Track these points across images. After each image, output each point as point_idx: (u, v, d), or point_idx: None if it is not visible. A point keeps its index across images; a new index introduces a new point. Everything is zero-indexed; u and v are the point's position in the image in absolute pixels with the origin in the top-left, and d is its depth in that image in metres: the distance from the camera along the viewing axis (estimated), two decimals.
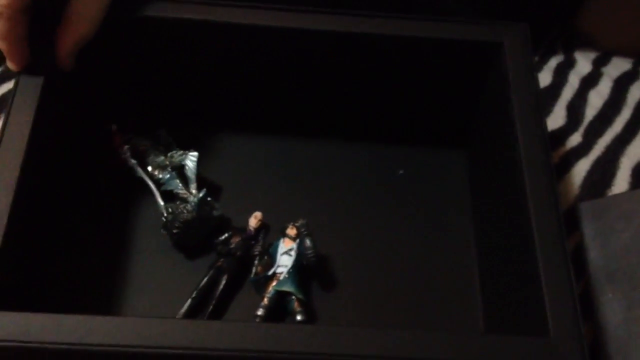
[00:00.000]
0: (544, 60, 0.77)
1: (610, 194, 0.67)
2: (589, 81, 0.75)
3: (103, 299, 0.56)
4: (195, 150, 0.61)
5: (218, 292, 0.57)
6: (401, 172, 0.66)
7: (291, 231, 0.58)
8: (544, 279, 0.48)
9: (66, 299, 0.56)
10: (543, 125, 0.55)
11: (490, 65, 0.60)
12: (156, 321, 0.45)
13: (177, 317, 0.55)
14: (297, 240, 0.58)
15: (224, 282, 0.57)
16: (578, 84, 0.75)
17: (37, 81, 0.52)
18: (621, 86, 0.74)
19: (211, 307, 0.56)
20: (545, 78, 0.75)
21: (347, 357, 0.45)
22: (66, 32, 0.54)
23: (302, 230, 0.58)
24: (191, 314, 0.56)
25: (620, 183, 0.67)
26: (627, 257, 0.60)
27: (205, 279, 0.57)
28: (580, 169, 0.69)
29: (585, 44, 0.78)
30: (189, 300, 0.56)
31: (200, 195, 0.58)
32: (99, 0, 0.55)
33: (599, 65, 0.76)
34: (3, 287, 0.46)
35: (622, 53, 0.77)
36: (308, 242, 0.57)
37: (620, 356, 0.57)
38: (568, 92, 0.74)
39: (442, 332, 0.46)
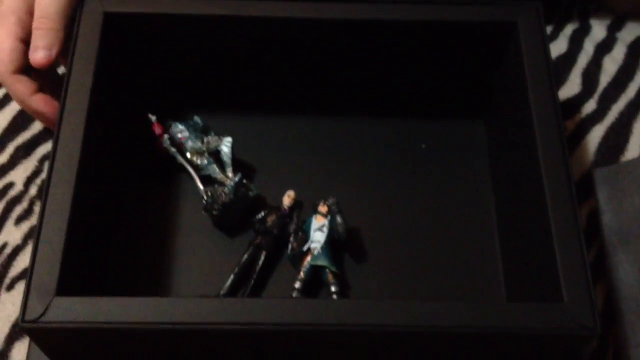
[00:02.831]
0: (559, 28, 0.79)
1: (623, 159, 0.70)
2: (604, 47, 0.77)
3: (154, 277, 0.62)
4: (228, 134, 0.66)
5: (258, 268, 0.62)
6: (424, 146, 0.70)
7: (322, 208, 0.63)
8: (557, 247, 0.53)
9: (122, 279, 0.61)
10: (556, 99, 0.58)
11: (506, 43, 0.63)
12: (207, 301, 0.50)
13: (221, 292, 0.60)
14: (328, 217, 0.62)
15: (262, 258, 0.62)
16: (593, 51, 0.77)
17: (86, 85, 0.57)
18: (635, 51, 0.77)
19: (252, 281, 0.61)
20: (561, 46, 0.78)
21: (376, 327, 0.49)
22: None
23: (333, 208, 0.62)
24: (234, 288, 0.61)
25: (633, 148, 0.70)
26: (639, 220, 0.64)
27: (246, 256, 0.62)
28: (595, 135, 0.72)
29: (600, 9, 0.80)
30: (232, 276, 0.61)
31: (237, 179, 0.63)
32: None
33: (613, 30, 0.78)
34: (69, 274, 0.51)
35: (637, 16, 0.79)
36: (338, 218, 0.62)
37: (632, 314, 0.61)
38: (583, 60, 0.77)
39: (465, 301, 0.51)
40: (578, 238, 0.53)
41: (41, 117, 0.63)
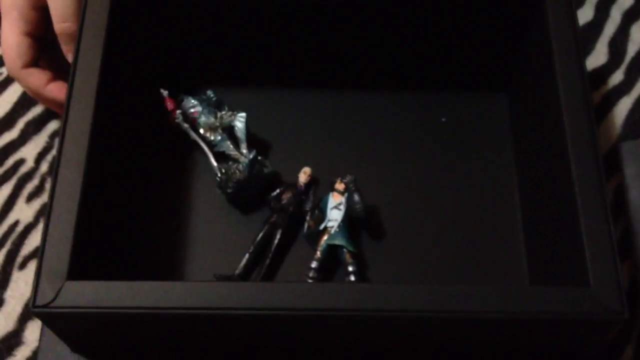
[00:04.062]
0: None
1: None
2: (632, 15, 0.74)
3: (168, 257, 0.60)
4: (242, 109, 0.64)
5: (274, 247, 0.60)
6: (444, 119, 0.68)
7: (339, 186, 0.61)
8: (584, 228, 0.50)
9: (134, 259, 0.60)
10: (584, 72, 0.56)
11: (532, 13, 0.60)
12: (220, 285, 0.49)
13: (236, 271, 0.59)
14: (346, 195, 0.60)
15: (278, 236, 0.60)
16: (620, 19, 0.74)
17: (95, 60, 0.55)
18: None
19: (268, 260, 0.60)
20: (587, 13, 0.75)
21: (396, 312, 0.48)
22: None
23: (350, 185, 0.60)
24: (249, 267, 0.60)
25: None
26: None
27: (261, 235, 0.61)
28: (622, 108, 0.69)
29: None
30: (247, 255, 0.60)
31: (251, 156, 0.61)
32: None
33: None
34: (80, 258, 0.50)
35: None
36: (356, 197, 0.60)
37: None
38: (610, 28, 0.74)
39: (487, 284, 0.49)
40: (606, 218, 0.51)
41: (58, 105, 0.63)
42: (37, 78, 0.61)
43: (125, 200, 0.62)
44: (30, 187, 0.64)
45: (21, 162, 0.65)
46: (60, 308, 0.47)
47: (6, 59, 0.62)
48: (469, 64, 0.67)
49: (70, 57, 0.60)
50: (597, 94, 0.70)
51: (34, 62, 0.62)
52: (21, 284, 0.60)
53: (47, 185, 0.64)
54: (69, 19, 0.59)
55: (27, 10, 0.60)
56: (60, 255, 0.49)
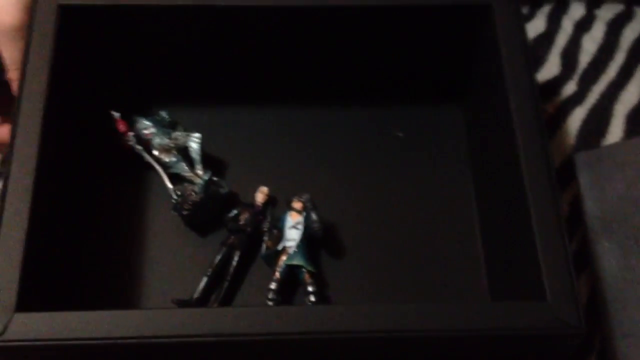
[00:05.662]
0: (537, 5, 0.77)
1: (605, 141, 0.68)
2: (583, 25, 0.75)
3: (124, 282, 0.59)
4: (196, 128, 0.63)
5: (232, 268, 0.59)
6: (401, 134, 0.67)
7: (297, 204, 0.60)
8: (539, 243, 0.51)
9: (88, 284, 0.58)
10: (533, 83, 0.57)
11: (481, 26, 0.61)
12: (176, 312, 0.48)
13: (195, 295, 0.58)
14: (304, 214, 0.60)
15: (236, 258, 0.60)
16: (572, 30, 0.75)
17: (42, 82, 0.54)
18: (614, 29, 0.75)
19: (226, 283, 0.59)
20: (539, 25, 0.76)
21: (355, 333, 0.47)
22: None
23: (307, 204, 0.60)
24: (208, 291, 0.59)
25: (615, 130, 0.69)
26: (622, 206, 0.62)
27: (219, 257, 0.60)
28: (576, 118, 0.70)
29: None
30: (205, 278, 0.59)
31: (206, 177, 0.60)
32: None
33: (592, 7, 0.76)
34: (29, 287, 0.48)
35: None
36: (314, 215, 0.59)
37: (617, 303, 0.59)
38: (562, 39, 0.75)
39: (448, 303, 0.50)
40: (560, 232, 0.51)
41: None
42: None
43: (78, 224, 0.60)
44: None
45: None
46: (10, 341, 0.46)
47: None
48: (423, 77, 0.67)
49: None
50: (550, 105, 0.71)
51: None
52: None
53: None
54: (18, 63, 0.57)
55: None
56: (8, 286, 0.47)
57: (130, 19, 0.59)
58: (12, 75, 0.59)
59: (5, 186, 0.50)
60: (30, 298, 0.48)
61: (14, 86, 0.59)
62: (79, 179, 0.61)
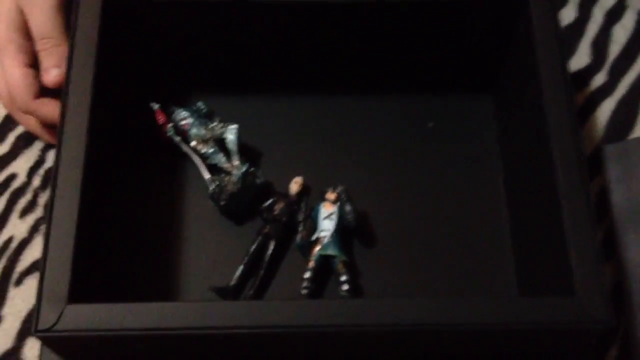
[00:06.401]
0: None
1: (633, 134, 0.69)
2: (613, 15, 0.75)
3: (164, 270, 0.61)
4: (233, 118, 0.64)
5: (267, 257, 0.61)
6: (431, 124, 0.69)
7: (331, 195, 0.62)
8: (568, 237, 0.52)
9: (131, 272, 0.61)
10: (566, 75, 0.57)
11: (516, 17, 0.61)
12: (217, 304, 0.51)
13: (231, 282, 0.60)
14: (338, 204, 0.61)
15: (271, 247, 0.62)
16: (602, 19, 0.75)
17: (88, 75, 0.56)
18: None
19: (262, 271, 0.61)
20: (569, 13, 0.76)
21: (386, 326, 0.49)
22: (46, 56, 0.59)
23: (342, 196, 0.61)
24: (244, 278, 0.61)
25: None
26: None
27: (254, 246, 0.62)
28: (605, 109, 0.70)
29: None
30: (241, 267, 0.61)
31: (244, 169, 0.62)
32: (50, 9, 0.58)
33: None
34: (80, 279, 0.50)
35: None
36: (348, 207, 0.61)
37: None
38: (592, 29, 0.75)
39: (477, 297, 0.51)
40: (590, 225, 0.52)
41: None
42: (53, 107, 0.60)
43: (120, 215, 0.62)
44: (23, 202, 0.64)
45: (13, 176, 0.65)
46: (62, 332, 0.48)
47: (14, 94, 0.60)
48: (455, 67, 0.68)
49: (50, 75, 0.59)
50: (580, 96, 0.71)
51: (41, 92, 0.61)
52: (18, 300, 0.61)
53: (40, 200, 0.65)
54: (48, 34, 0.59)
55: (23, 42, 0.60)
56: (61, 278, 0.49)
57: (169, 14, 0.60)
58: (39, 45, 0.60)
59: (55, 179, 0.52)
60: (80, 290, 0.50)
61: (41, 58, 0.60)
62: (122, 171, 0.63)
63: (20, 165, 0.66)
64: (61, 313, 0.48)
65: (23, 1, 0.59)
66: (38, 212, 0.64)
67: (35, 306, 0.49)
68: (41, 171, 0.66)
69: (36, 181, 0.65)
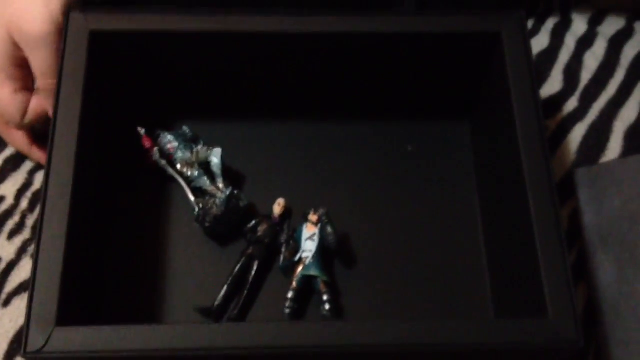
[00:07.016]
0: (541, 21, 0.79)
1: (604, 158, 0.72)
2: (585, 42, 0.78)
3: (149, 290, 0.63)
4: (218, 142, 0.66)
5: (251, 278, 0.63)
6: (410, 147, 0.71)
7: (313, 217, 0.64)
8: (542, 261, 0.54)
9: (117, 293, 0.62)
10: (538, 104, 0.60)
11: (491, 51, 0.64)
12: (203, 327, 0.52)
13: (215, 303, 0.62)
14: (319, 226, 0.63)
15: (255, 268, 0.63)
16: (574, 46, 0.78)
17: (75, 102, 0.57)
18: (615, 46, 0.78)
19: (246, 292, 0.63)
20: (542, 41, 0.78)
21: (365, 347, 0.51)
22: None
23: (323, 218, 0.63)
24: (228, 299, 0.63)
25: (614, 147, 0.72)
26: (619, 222, 0.66)
27: (238, 266, 0.63)
28: (577, 134, 0.73)
29: (581, 2, 0.80)
30: (225, 287, 0.63)
31: (227, 192, 0.64)
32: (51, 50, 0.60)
33: (594, 24, 0.79)
34: (68, 302, 0.52)
35: (617, 9, 0.80)
36: (329, 229, 0.63)
37: (612, 313, 0.63)
38: (565, 55, 0.77)
39: (455, 320, 0.53)
40: (561, 249, 0.55)
41: None
42: (45, 123, 0.62)
43: (107, 238, 0.64)
44: (11, 224, 0.66)
45: (1, 199, 0.67)
46: (51, 354, 0.50)
47: (3, 112, 0.62)
48: (434, 96, 0.70)
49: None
50: (553, 121, 0.74)
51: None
52: (6, 321, 0.62)
53: (28, 222, 0.66)
54: (49, 73, 0.60)
55: (12, 70, 0.61)
56: (49, 301, 0.51)
57: (155, 42, 0.62)
58: (42, 84, 0.61)
59: (43, 203, 0.54)
60: (68, 312, 0.51)
61: (41, 95, 0.62)
62: (109, 193, 0.65)
63: (8, 188, 0.67)
64: (49, 335, 0.50)
65: (21, 37, 0.60)
66: (26, 234, 0.65)
67: (24, 328, 0.50)
68: (29, 194, 0.67)
69: (24, 203, 0.67)
